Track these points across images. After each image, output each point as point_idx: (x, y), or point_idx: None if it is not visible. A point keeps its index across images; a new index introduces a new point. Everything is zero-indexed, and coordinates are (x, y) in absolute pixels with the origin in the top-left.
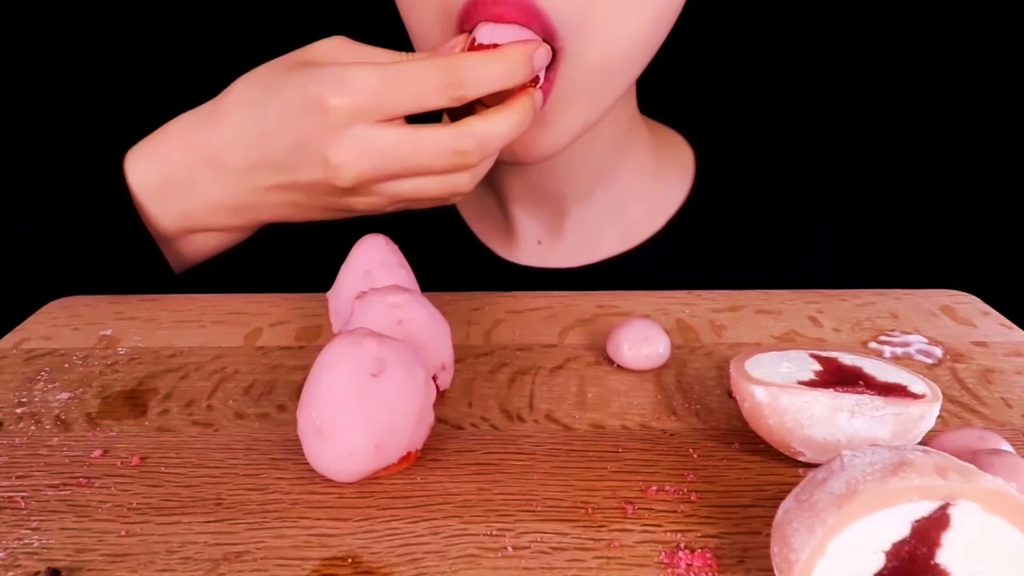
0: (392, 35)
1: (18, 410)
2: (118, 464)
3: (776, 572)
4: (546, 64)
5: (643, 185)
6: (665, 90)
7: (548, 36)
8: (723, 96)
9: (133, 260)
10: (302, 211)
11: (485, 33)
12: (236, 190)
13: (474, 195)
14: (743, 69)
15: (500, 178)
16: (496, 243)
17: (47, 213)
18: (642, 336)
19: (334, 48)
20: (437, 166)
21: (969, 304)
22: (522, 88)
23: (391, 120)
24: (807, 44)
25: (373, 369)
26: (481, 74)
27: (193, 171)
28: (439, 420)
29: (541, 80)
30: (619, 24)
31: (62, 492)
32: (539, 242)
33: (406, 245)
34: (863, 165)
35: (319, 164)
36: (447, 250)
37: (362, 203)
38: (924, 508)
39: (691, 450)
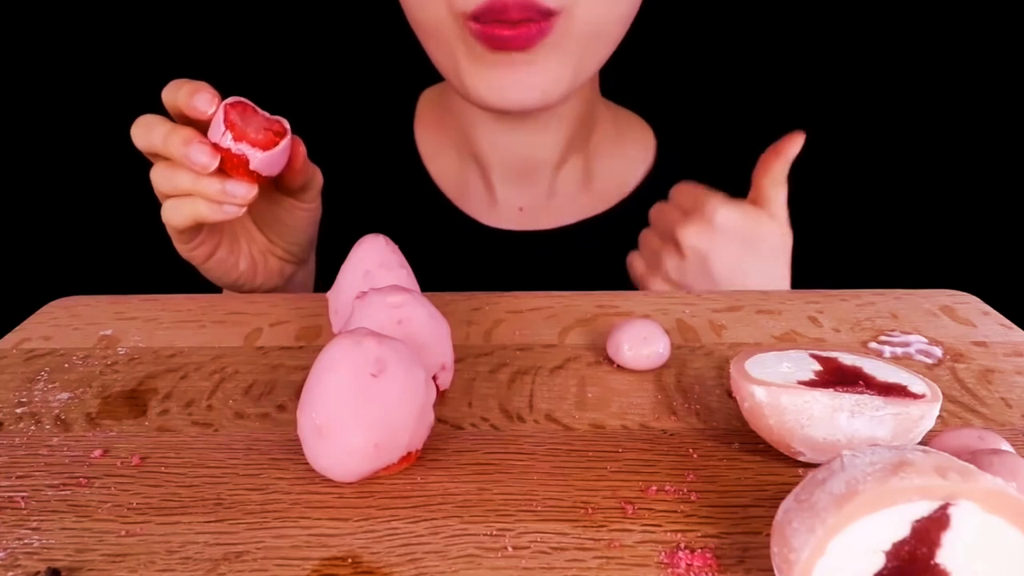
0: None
1: (18, 410)
2: (118, 464)
3: (776, 572)
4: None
5: (609, 155)
6: (627, 77)
7: (550, 15)
8: (681, 79)
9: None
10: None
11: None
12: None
13: (454, 171)
14: (708, 59)
15: (483, 151)
16: (479, 214)
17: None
18: (642, 336)
19: None
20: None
21: (969, 304)
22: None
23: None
24: (806, 39)
25: (373, 369)
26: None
27: None
28: (439, 420)
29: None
30: None
31: (62, 492)
32: (520, 209)
33: (388, 227)
34: (863, 165)
35: None
36: (430, 223)
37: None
38: (924, 508)
39: (691, 450)
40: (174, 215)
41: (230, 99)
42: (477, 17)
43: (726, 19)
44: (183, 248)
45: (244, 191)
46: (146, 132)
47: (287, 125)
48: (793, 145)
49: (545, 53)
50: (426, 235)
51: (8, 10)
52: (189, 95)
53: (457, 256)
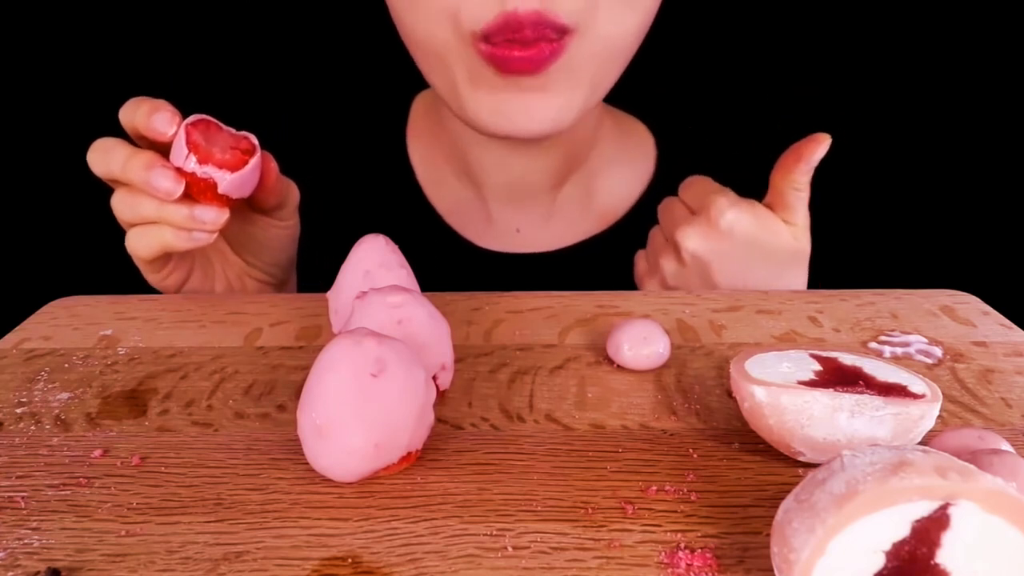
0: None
1: (18, 410)
2: (118, 464)
3: (776, 572)
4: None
5: (610, 170)
6: (625, 80)
7: (564, 33)
8: (681, 83)
9: None
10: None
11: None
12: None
13: (448, 187)
14: (710, 61)
15: (478, 171)
16: (473, 234)
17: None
18: (642, 336)
19: None
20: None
21: (969, 304)
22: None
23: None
24: (808, 45)
25: (373, 369)
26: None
27: None
28: (439, 420)
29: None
30: (627, 6)
31: (62, 492)
32: (518, 230)
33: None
34: (862, 166)
35: None
36: (423, 244)
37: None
38: (924, 508)
39: (691, 450)
40: (139, 245)
41: (192, 118)
42: (487, 37)
43: (729, 23)
44: (153, 278)
45: (214, 216)
46: (103, 157)
47: (255, 141)
48: (818, 148)
49: (556, 77)
50: (419, 257)
51: (10, 8)
52: (147, 115)
53: (452, 280)
